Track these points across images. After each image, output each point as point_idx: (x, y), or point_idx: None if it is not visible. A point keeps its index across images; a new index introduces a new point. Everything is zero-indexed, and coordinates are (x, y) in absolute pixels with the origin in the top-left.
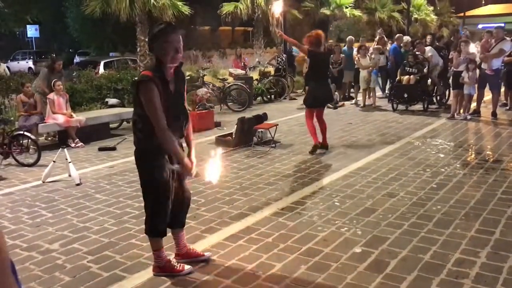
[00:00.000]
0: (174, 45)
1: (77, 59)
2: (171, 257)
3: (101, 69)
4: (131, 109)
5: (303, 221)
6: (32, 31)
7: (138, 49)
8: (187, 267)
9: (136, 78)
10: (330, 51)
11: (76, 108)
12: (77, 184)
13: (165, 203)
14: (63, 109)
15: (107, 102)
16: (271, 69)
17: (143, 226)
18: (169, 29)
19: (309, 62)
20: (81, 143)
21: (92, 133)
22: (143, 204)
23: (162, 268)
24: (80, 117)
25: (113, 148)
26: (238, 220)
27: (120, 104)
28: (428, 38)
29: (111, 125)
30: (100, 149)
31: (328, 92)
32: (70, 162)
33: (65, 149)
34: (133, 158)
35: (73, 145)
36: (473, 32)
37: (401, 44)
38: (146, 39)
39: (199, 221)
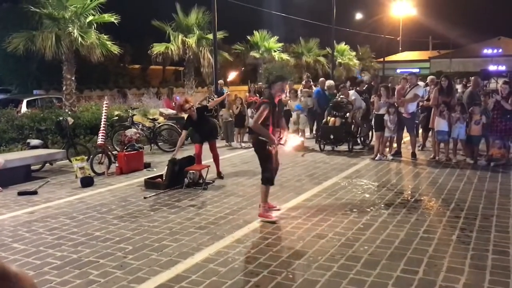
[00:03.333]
0: (282, 87)
1: None
2: None
3: (24, 108)
4: (55, 151)
5: (235, 266)
6: None
7: (64, 88)
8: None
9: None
10: (206, 106)
11: None
12: None
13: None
14: None
15: (29, 143)
16: None
17: (65, 277)
18: (285, 78)
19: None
20: None
21: (11, 176)
22: (64, 254)
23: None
24: None
25: (34, 192)
26: (168, 268)
27: (43, 145)
28: (348, 83)
29: (32, 168)
30: (20, 194)
31: (209, 128)
32: None
33: None
34: (55, 202)
35: None
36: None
37: (325, 88)
38: (73, 78)
39: (126, 270)
